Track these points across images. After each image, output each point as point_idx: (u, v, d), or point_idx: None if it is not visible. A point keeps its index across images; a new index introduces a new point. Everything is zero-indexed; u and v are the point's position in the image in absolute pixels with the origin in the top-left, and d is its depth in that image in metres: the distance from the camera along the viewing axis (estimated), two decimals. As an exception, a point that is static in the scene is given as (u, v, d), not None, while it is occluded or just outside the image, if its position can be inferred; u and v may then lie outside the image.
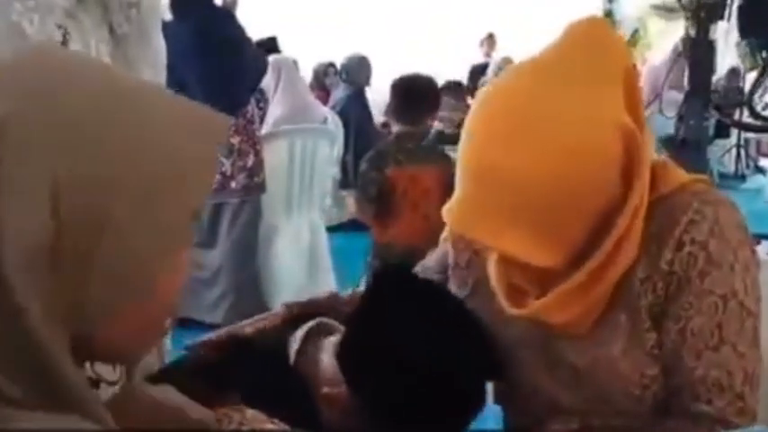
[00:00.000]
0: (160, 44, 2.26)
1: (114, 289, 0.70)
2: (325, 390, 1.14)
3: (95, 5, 1.89)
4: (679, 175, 1.15)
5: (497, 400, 1.30)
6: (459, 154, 1.08)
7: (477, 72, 7.87)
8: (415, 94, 3.49)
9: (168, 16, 3.78)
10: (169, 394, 0.97)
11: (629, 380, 1.12)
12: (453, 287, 1.27)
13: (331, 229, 4.93)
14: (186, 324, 3.95)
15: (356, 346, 1.16)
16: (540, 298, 1.12)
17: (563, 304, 1.10)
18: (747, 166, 9.46)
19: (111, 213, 0.69)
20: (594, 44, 1.08)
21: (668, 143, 3.38)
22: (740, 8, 2.92)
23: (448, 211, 1.08)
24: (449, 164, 3.27)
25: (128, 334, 0.75)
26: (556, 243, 1.05)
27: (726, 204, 1.12)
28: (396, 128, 3.48)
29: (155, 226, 0.72)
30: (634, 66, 1.11)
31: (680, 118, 3.08)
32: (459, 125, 1.13)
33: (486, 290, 1.19)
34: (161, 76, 2.29)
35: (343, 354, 1.16)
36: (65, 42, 1.77)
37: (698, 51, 2.99)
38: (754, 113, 3.73)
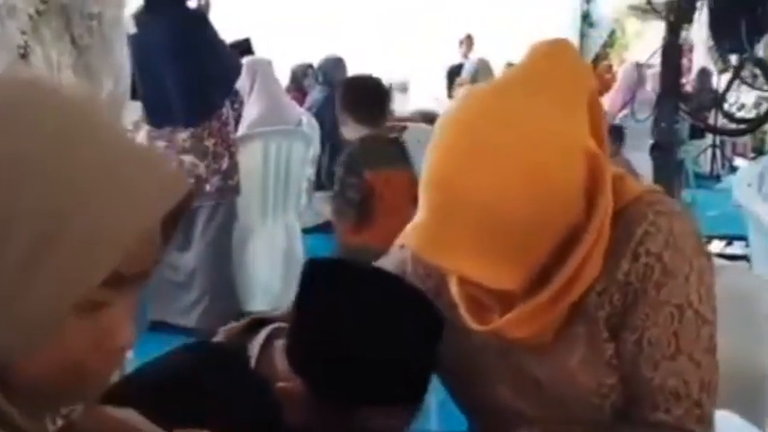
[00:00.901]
0: (123, 56, 2.24)
1: (18, 330, 0.68)
2: (280, 384, 1.13)
3: (57, 17, 1.87)
4: (634, 186, 1.15)
5: (461, 409, 1.30)
6: (423, 176, 1.06)
7: (455, 73, 7.87)
8: (374, 96, 3.47)
9: (132, 29, 3.75)
10: (131, 416, 0.96)
11: (588, 390, 1.12)
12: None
13: (307, 231, 4.92)
14: (160, 327, 3.95)
15: (297, 337, 1.16)
16: (503, 313, 1.11)
17: (526, 321, 1.10)
18: (723, 166, 9.54)
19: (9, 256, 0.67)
20: (559, 67, 1.07)
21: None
22: (711, 12, 2.94)
23: (410, 234, 1.06)
24: (411, 166, 3.28)
25: (41, 376, 0.72)
26: (519, 267, 1.05)
27: (680, 215, 1.13)
28: (351, 130, 3.41)
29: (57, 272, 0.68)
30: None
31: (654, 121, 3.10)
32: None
33: (447, 299, 1.18)
34: (124, 88, 2.28)
35: (287, 347, 1.16)
36: (25, 55, 1.75)
37: (668, 54, 3.01)
38: (726, 115, 3.77)
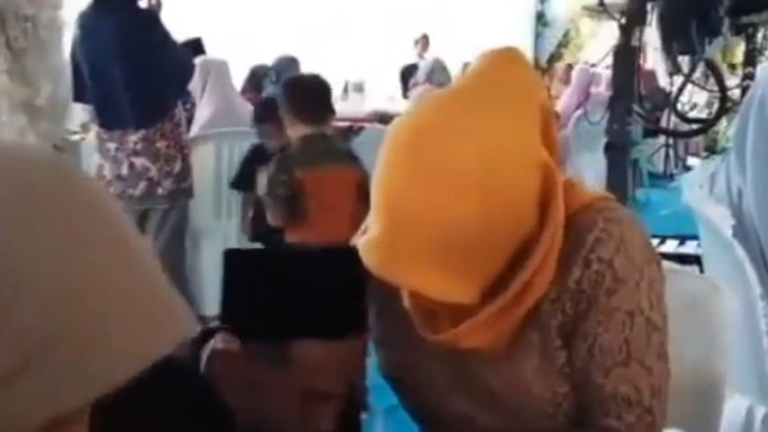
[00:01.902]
0: (61, 59, 2.19)
1: None
2: (220, 346, 1.10)
3: (-10, 19, 1.83)
4: (585, 193, 1.15)
5: (412, 417, 1.28)
6: (373, 190, 1.04)
7: (408, 72, 7.86)
8: (317, 95, 3.45)
9: (75, 29, 3.68)
10: None
11: (542, 398, 1.12)
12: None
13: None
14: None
15: (229, 307, 1.13)
16: (456, 322, 1.09)
17: (480, 331, 1.09)
18: (676, 165, 9.65)
19: None
20: (510, 78, 1.05)
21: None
22: (661, 14, 2.96)
23: (364, 251, 1.04)
24: (358, 164, 3.28)
25: None
26: (475, 280, 1.04)
27: (631, 222, 1.12)
28: (297, 130, 3.36)
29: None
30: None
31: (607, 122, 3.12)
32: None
33: (399, 307, 1.16)
34: (65, 92, 2.23)
35: (223, 314, 1.13)
36: None
37: (620, 56, 3.03)
38: (679, 115, 3.80)
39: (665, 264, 1.55)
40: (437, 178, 0.98)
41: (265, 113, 3.96)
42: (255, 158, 3.91)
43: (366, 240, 1.04)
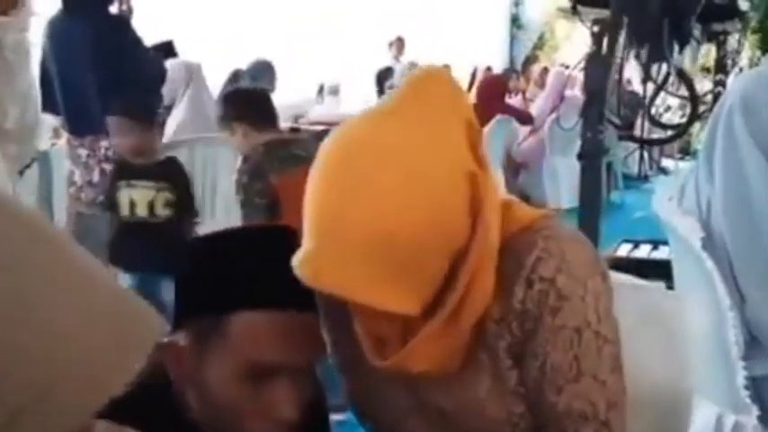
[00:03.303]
0: (28, 81, 2.16)
1: None
2: (164, 341, 1.11)
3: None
4: (525, 213, 1.15)
5: None
6: (305, 206, 1.05)
7: (383, 76, 7.85)
8: (267, 102, 3.48)
9: (36, 53, 3.62)
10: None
11: (497, 419, 1.12)
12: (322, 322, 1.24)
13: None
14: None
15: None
16: (403, 347, 1.09)
17: (423, 353, 1.08)
18: (650, 167, 9.72)
19: None
20: (434, 96, 1.06)
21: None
22: (632, 22, 2.97)
23: (297, 264, 1.03)
24: None
25: None
26: (409, 290, 1.03)
27: (571, 239, 1.12)
28: (248, 138, 3.36)
29: None
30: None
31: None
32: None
33: (352, 334, 1.16)
34: (31, 114, 2.20)
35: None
36: None
37: (593, 64, 3.04)
38: (653, 122, 3.83)
39: (631, 279, 1.57)
40: (365, 191, 1.00)
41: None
42: (118, 175, 3.60)
43: (299, 254, 1.04)
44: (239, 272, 1.12)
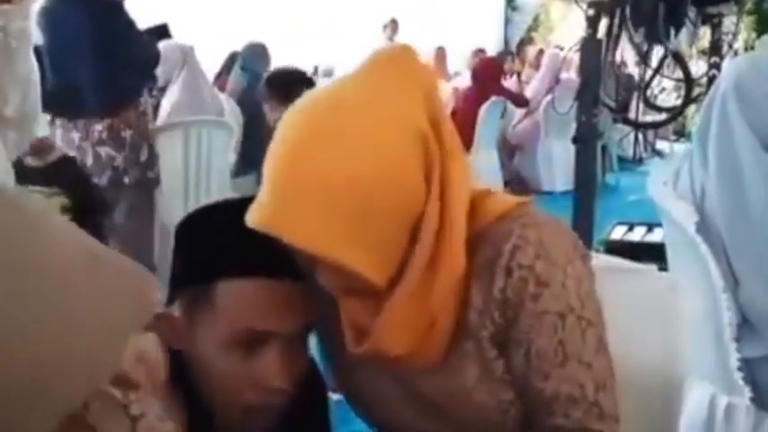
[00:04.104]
0: (30, 68, 2.15)
1: None
2: (159, 312, 1.12)
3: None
4: (501, 202, 1.15)
5: (372, 428, 1.28)
6: (268, 157, 1.07)
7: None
8: (303, 82, 3.53)
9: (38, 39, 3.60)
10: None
11: (486, 408, 1.13)
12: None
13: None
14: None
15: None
16: None
17: (393, 331, 1.08)
18: (645, 149, 9.73)
19: None
20: (396, 68, 1.09)
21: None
22: (624, 7, 2.96)
23: (250, 212, 1.06)
24: None
25: None
26: (364, 243, 1.04)
27: (549, 225, 1.12)
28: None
29: None
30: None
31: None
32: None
33: (341, 327, 1.16)
34: (32, 101, 2.19)
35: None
36: None
37: (587, 49, 3.03)
38: (648, 105, 3.82)
39: (624, 262, 1.57)
40: (318, 142, 1.03)
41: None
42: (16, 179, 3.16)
43: (256, 201, 1.06)
44: (226, 240, 1.12)
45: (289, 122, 1.07)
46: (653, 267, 1.52)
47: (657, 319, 1.42)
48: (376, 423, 1.26)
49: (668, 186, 1.88)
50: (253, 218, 1.04)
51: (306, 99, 1.09)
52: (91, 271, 0.67)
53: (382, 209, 1.03)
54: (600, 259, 1.66)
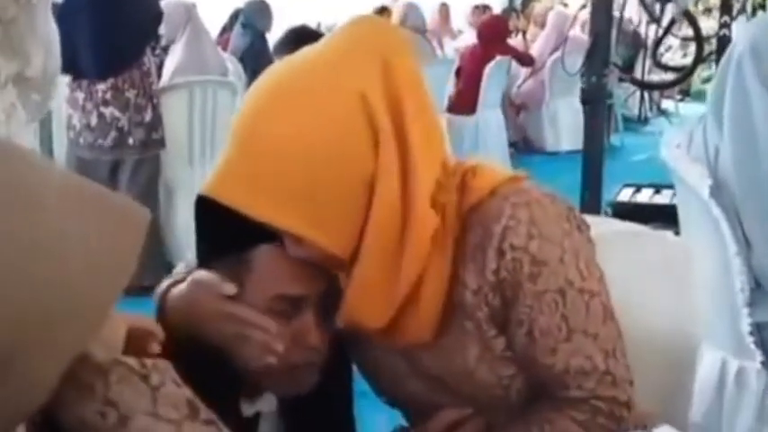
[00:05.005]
0: (50, 27, 2.12)
1: None
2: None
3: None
4: (489, 178, 1.13)
5: (385, 402, 1.29)
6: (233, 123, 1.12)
7: (380, 15, 7.75)
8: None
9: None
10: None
11: (487, 384, 1.13)
12: None
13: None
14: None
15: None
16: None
17: (365, 302, 1.08)
18: (650, 108, 9.66)
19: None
20: (357, 36, 1.12)
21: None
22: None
23: (211, 178, 1.09)
24: None
25: None
26: (324, 218, 1.06)
27: (540, 201, 1.10)
28: None
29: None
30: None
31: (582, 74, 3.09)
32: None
33: None
34: (54, 61, 2.16)
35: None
36: None
37: (598, 7, 2.99)
38: (658, 64, 3.79)
39: (638, 227, 1.56)
40: (274, 108, 1.06)
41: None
42: None
43: (215, 169, 1.10)
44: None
45: (250, 90, 1.12)
46: (667, 232, 1.51)
47: (672, 283, 1.42)
48: (388, 396, 1.26)
49: (682, 149, 1.87)
50: (209, 187, 1.08)
51: (273, 66, 1.14)
52: (84, 204, 0.69)
53: (330, 179, 1.05)
54: (613, 224, 1.66)
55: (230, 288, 1.13)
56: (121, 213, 0.72)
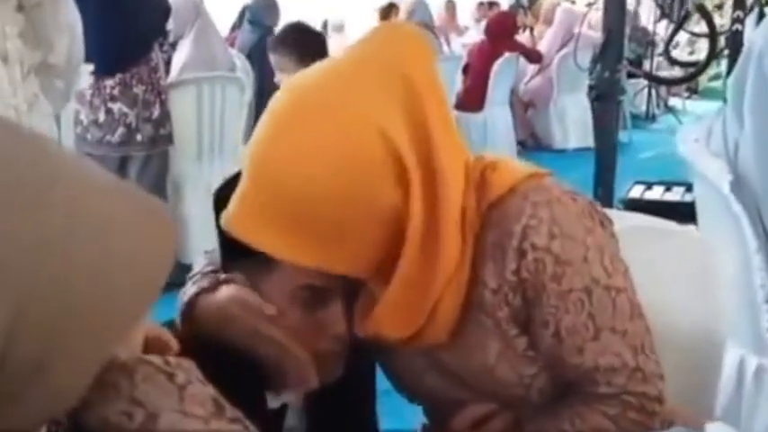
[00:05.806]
0: (73, 13, 2.11)
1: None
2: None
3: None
4: (510, 174, 1.11)
5: (406, 398, 1.27)
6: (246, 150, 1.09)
7: (387, 11, 7.73)
8: (317, 38, 3.51)
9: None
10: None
11: (508, 382, 1.11)
12: None
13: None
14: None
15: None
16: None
17: (392, 320, 1.07)
18: (658, 105, 9.63)
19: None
20: (377, 52, 1.08)
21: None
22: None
23: (228, 212, 1.07)
24: None
25: None
26: (343, 255, 1.05)
27: (560, 199, 1.08)
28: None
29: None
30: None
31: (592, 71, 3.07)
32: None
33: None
34: (77, 47, 2.15)
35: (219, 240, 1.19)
36: None
37: (611, 4, 2.96)
38: (672, 61, 3.77)
39: (660, 223, 1.54)
40: (283, 136, 1.04)
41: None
42: None
43: (231, 202, 1.08)
44: None
45: (262, 120, 1.07)
46: (691, 227, 1.49)
47: (696, 279, 1.40)
48: (408, 392, 1.25)
49: (701, 143, 1.84)
50: (227, 220, 1.07)
51: (285, 88, 1.09)
52: (125, 204, 0.68)
53: (352, 218, 1.03)
54: (636, 219, 1.64)
55: (271, 309, 1.11)
56: (156, 217, 0.71)
